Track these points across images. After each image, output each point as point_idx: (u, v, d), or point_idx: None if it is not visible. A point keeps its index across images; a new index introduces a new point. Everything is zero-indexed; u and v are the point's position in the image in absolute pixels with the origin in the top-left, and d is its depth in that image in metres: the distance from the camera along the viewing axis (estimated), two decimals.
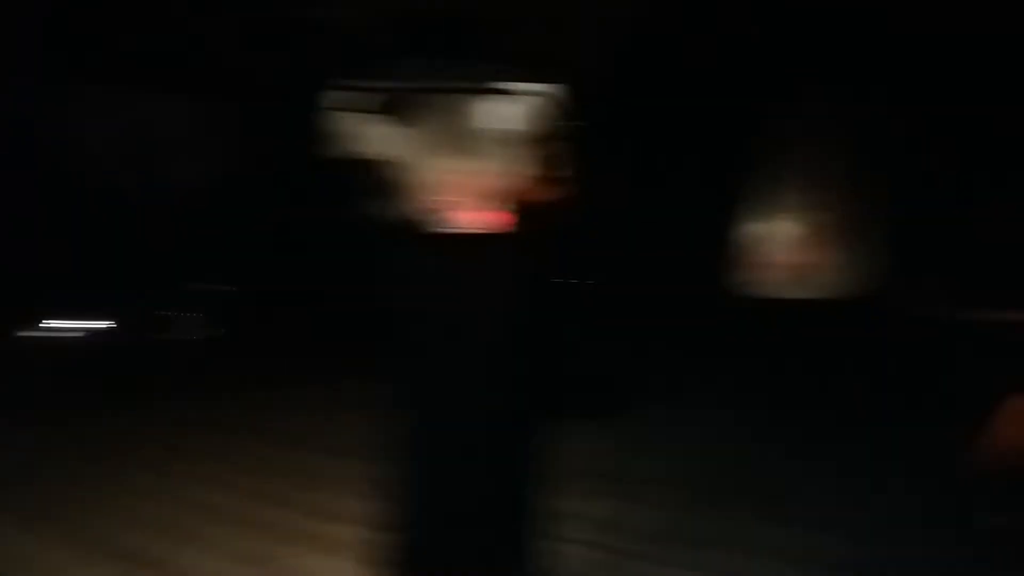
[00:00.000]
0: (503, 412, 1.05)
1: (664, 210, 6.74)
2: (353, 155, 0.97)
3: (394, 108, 0.95)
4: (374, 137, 0.97)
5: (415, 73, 0.96)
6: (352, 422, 8.71)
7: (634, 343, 6.64)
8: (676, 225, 6.63)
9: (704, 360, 6.79)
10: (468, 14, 0.98)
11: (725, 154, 5.90)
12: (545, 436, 1.11)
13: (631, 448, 4.71)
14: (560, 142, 1.00)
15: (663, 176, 6.40)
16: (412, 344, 1.13)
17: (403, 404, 1.14)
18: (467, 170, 0.97)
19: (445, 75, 0.97)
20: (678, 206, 6.65)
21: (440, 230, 1.02)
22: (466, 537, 1.10)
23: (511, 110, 0.97)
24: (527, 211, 1.01)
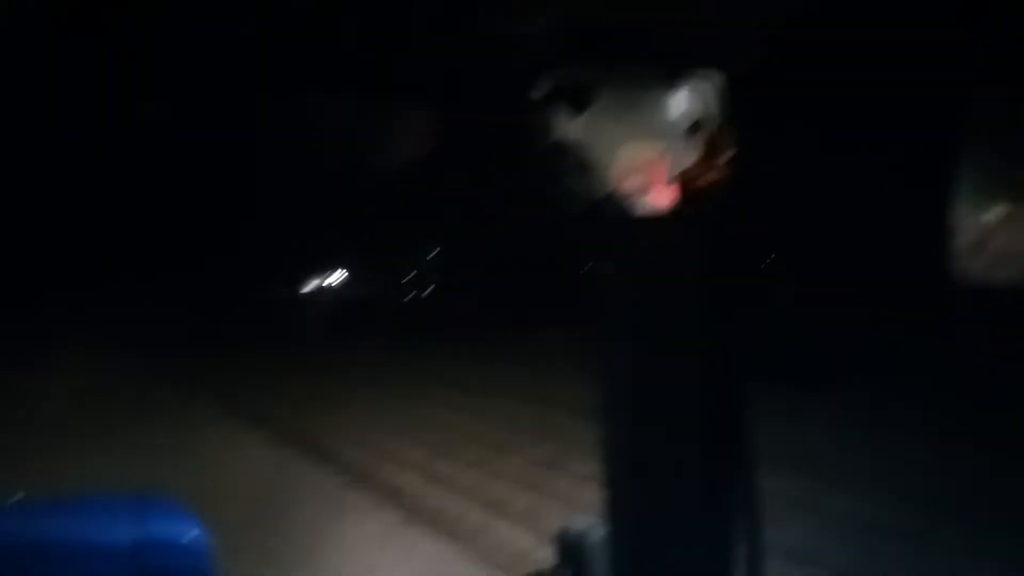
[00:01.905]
0: (713, 391, 1.05)
1: (858, 191, 6.29)
2: (554, 144, 1.14)
3: (588, 100, 1.12)
4: (574, 127, 1.14)
5: (603, 70, 1.12)
6: (549, 373, 9.58)
7: (833, 320, 6.40)
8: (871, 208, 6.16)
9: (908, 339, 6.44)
10: (638, 18, 1.12)
11: (924, 134, 5.37)
12: (752, 412, 1.09)
13: (832, 430, 4.58)
14: (732, 127, 1.11)
15: (851, 157, 5.98)
16: (613, 322, 1.14)
17: (610, 391, 1.15)
18: (654, 156, 1.12)
19: (629, 71, 1.12)
20: (870, 190, 6.17)
21: (634, 212, 1.09)
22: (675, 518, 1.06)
23: (688, 99, 1.12)
24: (709, 194, 1.11)
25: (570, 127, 1.09)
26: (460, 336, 17.58)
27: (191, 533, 1.28)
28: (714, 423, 1.07)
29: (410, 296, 37.01)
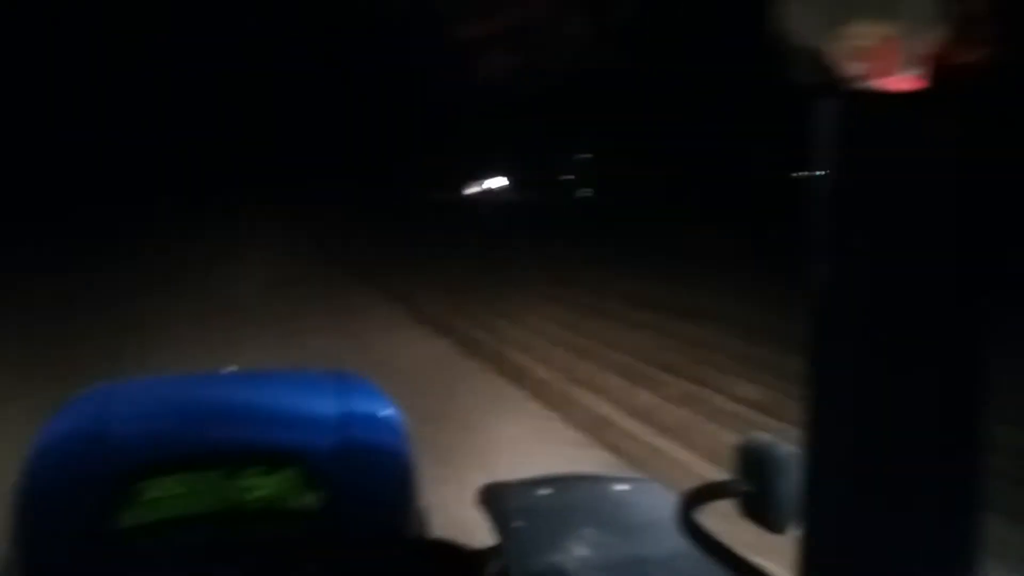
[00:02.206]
0: (965, 317, 0.86)
1: None
2: (786, 30, 1.00)
3: None
4: (803, 9, 0.99)
5: None
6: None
7: None
8: None
9: None
10: None
11: None
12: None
13: None
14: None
15: None
16: (835, 234, 0.87)
17: (827, 310, 0.90)
18: (889, 34, 0.96)
19: None
20: None
21: (867, 92, 0.93)
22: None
23: None
24: (967, 77, 0.91)
25: (803, 9, 0.92)
26: (623, 239, 17.36)
27: (388, 410, 1.38)
28: (963, 355, 0.87)
29: (569, 198, 37.34)
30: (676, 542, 1.20)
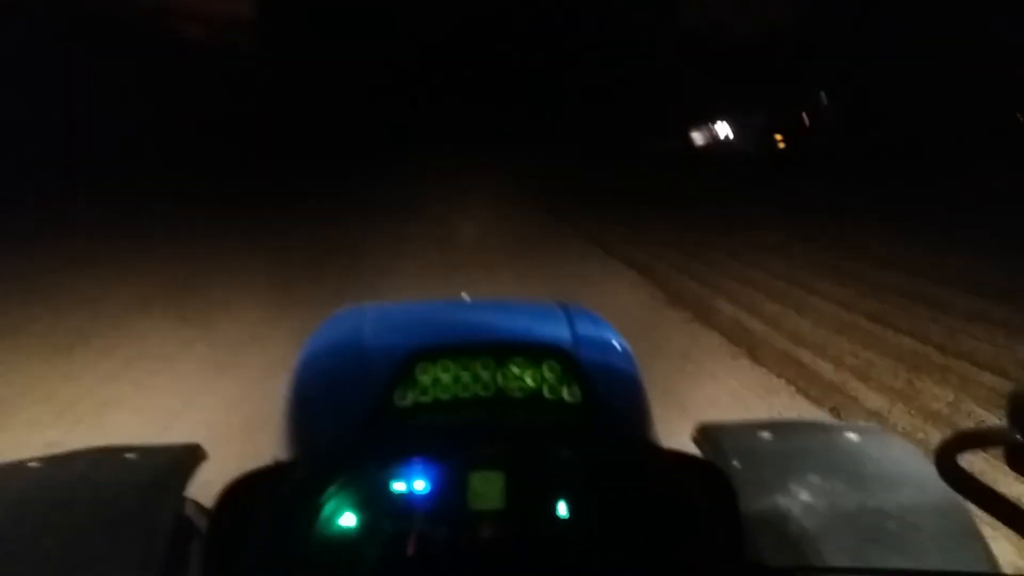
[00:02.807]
0: None
1: None
2: None
3: None
4: None
5: None
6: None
7: None
8: None
9: None
10: None
11: None
12: None
13: None
14: None
15: None
16: None
17: None
18: None
19: None
20: None
21: None
22: None
23: None
24: None
25: None
26: (869, 188, 15.62)
27: (617, 337, 1.42)
28: None
29: (792, 149, 34.40)
30: (910, 494, 1.09)
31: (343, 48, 37.61)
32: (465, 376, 0.91)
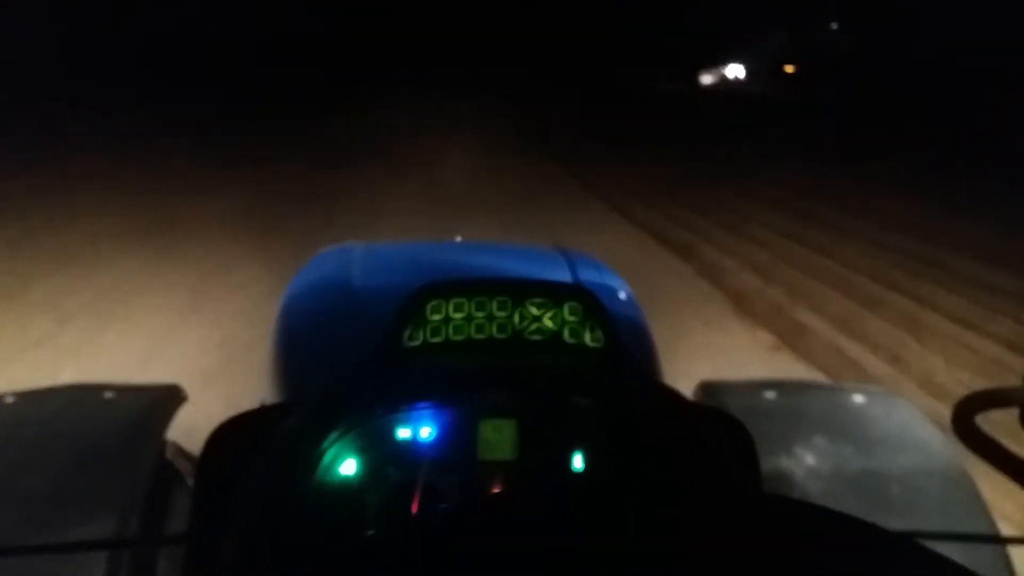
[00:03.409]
0: None
1: None
2: None
3: None
4: None
5: None
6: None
7: None
8: None
9: None
10: None
11: None
12: None
13: None
14: None
15: None
16: None
17: None
18: None
19: None
20: None
21: None
22: None
23: None
24: None
25: None
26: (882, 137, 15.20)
27: (621, 283, 1.37)
28: None
29: (802, 83, 33.66)
30: (913, 457, 1.08)
31: None
32: (479, 316, 0.85)
